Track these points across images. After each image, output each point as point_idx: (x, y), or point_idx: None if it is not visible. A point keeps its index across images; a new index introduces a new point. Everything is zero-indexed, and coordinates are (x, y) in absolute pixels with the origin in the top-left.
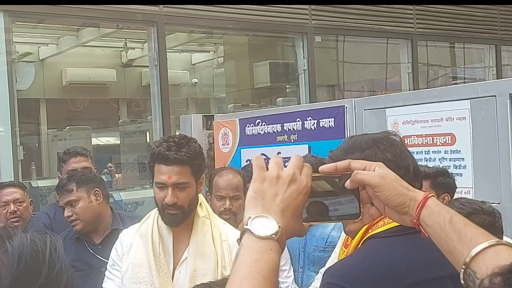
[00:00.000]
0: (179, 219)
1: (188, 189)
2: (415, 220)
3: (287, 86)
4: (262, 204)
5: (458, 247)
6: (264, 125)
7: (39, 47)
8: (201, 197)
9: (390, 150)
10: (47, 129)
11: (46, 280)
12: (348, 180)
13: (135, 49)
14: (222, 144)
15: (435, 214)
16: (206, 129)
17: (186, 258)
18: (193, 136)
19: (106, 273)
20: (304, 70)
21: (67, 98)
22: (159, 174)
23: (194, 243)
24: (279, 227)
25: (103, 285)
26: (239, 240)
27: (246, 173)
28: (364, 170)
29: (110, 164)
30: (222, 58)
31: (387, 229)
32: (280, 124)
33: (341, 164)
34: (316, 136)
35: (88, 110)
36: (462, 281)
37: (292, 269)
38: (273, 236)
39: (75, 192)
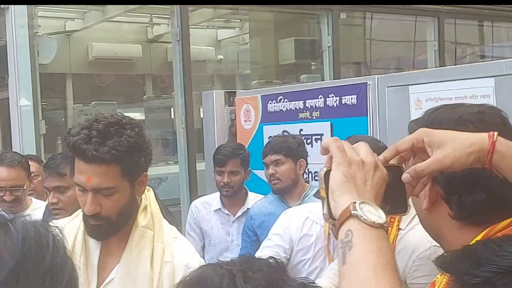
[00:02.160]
0: (105, 232)
1: (116, 195)
2: (487, 166)
3: (312, 63)
4: (356, 190)
5: None
6: (286, 101)
7: (65, 21)
8: (149, 197)
9: None
10: (73, 104)
11: (50, 265)
12: (406, 175)
13: (161, 24)
14: (244, 121)
15: (508, 158)
16: (228, 106)
17: (113, 279)
18: (214, 113)
19: None
20: (328, 47)
21: (93, 73)
22: (77, 172)
23: (125, 261)
24: (386, 215)
25: None
26: (331, 226)
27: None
28: (413, 154)
29: None
30: (248, 34)
31: None
32: (302, 101)
33: (390, 153)
34: (338, 113)
35: (114, 85)
36: None
37: None
38: (385, 225)
39: (67, 177)
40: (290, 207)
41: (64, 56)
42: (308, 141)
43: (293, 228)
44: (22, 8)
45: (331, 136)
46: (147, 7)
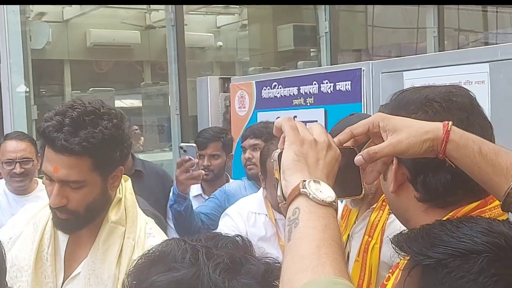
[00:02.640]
0: (72, 226)
1: (85, 189)
2: (440, 155)
3: (311, 50)
4: (307, 168)
5: (494, 179)
6: (280, 88)
7: (63, 8)
8: (124, 189)
9: (447, 116)
10: (71, 91)
11: None
12: (359, 158)
13: (159, 10)
14: (239, 107)
15: (462, 148)
16: (223, 92)
17: (79, 273)
18: (209, 99)
19: None
20: (325, 33)
21: (91, 59)
22: (45, 160)
23: (92, 257)
24: (340, 197)
25: None
26: (283, 204)
27: (267, 131)
28: (368, 135)
29: (135, 126)
30: (247, 21)
31: None
32: (297, 87)
33: (344, 136)
34: (333, 100)
35: (112, 72)
36: (503, 210)
37: None
38: (334, 203)
39: None
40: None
41: (62, 43)
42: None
43: (241, 227)
44: None
45: (325, 123)
46: None
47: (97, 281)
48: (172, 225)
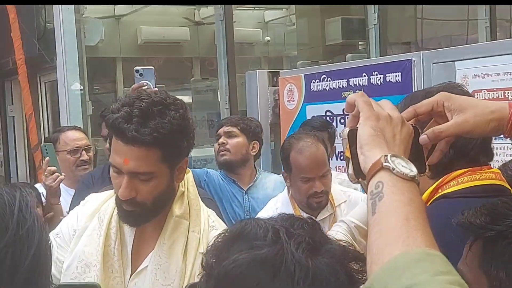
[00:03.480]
0: (138, 218)
1: (154, 181)
2: (506, 135)
3: (359, 43)
4: (386, 143)
5: None
6: (329, 80)
7: (114, 6)
8: (187, 183)
9: None
10: (123, 88)
11: (14, 237)
12: (423, 137)
13: (208, 6)
14: (288, 101)
15: None
16: (272, 86)
17: (147, 267)
18: (258, 93)
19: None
20: (374, 24)
21: (142, 56)
22: (114, 152)
23: (158, 252)
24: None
25: None
26: (353, 175)
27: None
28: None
29: None
30: (295, 15)
31: (461, 189)
32: (346, 80)
33: (408, 115)
34: (383, 91)
35: (162, 68)
36: None
37: None
38: (416, 178)
39: None
40: (243, 190)
41: (114, 40)
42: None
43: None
44: None
45: None
46: None
47: (164, 276)
48: None
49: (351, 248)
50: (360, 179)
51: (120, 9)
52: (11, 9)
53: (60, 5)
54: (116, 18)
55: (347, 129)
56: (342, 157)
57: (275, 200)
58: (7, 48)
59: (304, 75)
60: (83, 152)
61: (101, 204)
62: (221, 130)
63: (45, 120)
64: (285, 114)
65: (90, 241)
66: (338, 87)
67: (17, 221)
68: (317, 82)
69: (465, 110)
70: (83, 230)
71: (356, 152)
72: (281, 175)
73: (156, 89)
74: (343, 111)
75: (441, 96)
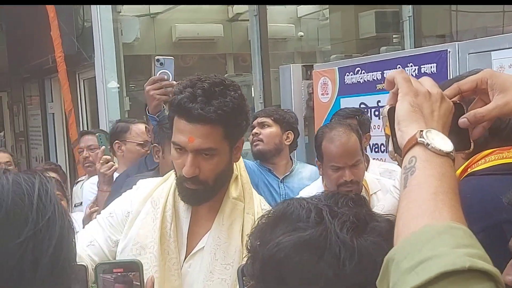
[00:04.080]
0: (200, 197)
1: (216, 158)
2: None
3: (393, 36)
4: (423, 119)
5: None
6: (363, 73)
7: (150, 4)
8: (239, 167)
9: None
10: None
11: (34, 229)
12: (463, 120)
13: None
14: (322, 94)
15: None
16: (306, 79)
17: (203, 248)
18: (292, 87)
19: (98, 218)
20: (409, 17)
21: (177, 54)
22: (178, 132)
23: (216, 232)
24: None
25: (84, 232)
26: (393, 152)
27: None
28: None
29: None
30: (328, 10)
31: (487, 167)
32: (380, 72)
33: (452, 91)
34: None
35: (197, 65)
36: None
37: None
38: (451, 153)
39: None
40: (278, 178)
41: (149, 38)
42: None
43: None
44: None
45: None
46: None
47: (223, 256)
48: None
49: None
50: (399, 156)
51: (155, 7)
52: (50, 8)
53: (98, 5)
54: (151, 16)
55: (387, 107)
56: (376, 149)
57: (309, 188)
58: (47, 47)
59: (338, 68)
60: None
61: (154, 190)
62: (255, 122)
63: (84, 116)
64: (319, 107)
65: (144, 225)
66: (372, 79)
67: (36, 212)
68: (351, 74)
69: (506, 90)
70: (136, 214)
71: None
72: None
73: (174, 82)
74: (377, 103)
75: (485, 73)
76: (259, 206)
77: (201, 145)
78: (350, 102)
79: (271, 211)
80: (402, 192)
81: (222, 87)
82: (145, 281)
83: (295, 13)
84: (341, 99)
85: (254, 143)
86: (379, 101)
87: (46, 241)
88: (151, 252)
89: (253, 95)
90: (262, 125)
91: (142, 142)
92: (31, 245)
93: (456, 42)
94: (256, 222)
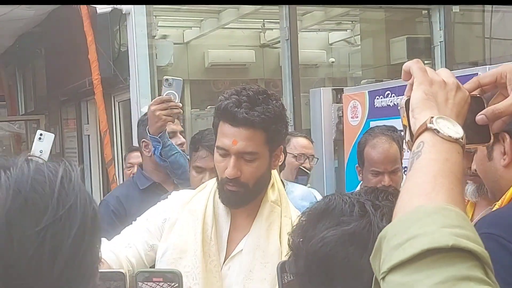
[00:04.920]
0: (240, 199)
1: (257, 162)
2: None
3: (425, 62)
4: (437, 107)
5: None
6: (393, 96)
7: (183, 30)
8: (275, 175)
9: None
10: (191, 109)
11: (53, 218)
12: (481, 117)
13: (273, 30)
14: (351, 117)
15: None
16: (336, 103)
17: (242, 251)
18: (322, 110)
19: (134, 224)
20: (440, 42)
21: (209, 79)
22: (222, 136)
23: (255, 234)
24: (463, 132)
25: (122, 237)
26: (410, 142)
27: None
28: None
29: None
30: (359, 36)
31: None
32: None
33: (471, 85)
34: None
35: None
36: None
37: None
38: (460, 140)
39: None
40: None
41: (182, 63)
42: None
43: None
44: (142, 18)
45: None
46: (260, 12)
47: (263, 255)
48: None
49: None
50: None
51: (189, 34)
52: (88, 32)
53: (134, 30)
54: (184, 42)
55: (404, 98)
56: (405, 172)
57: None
58: (84, 71)
59: (368, 91)
60: (307, 160)
61: (191, 198)
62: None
63: (118, 138)
64: (349, 131)
65: (183, 231)
66: None
67: (57, 200)
68: (381, 98)
69: None
70: (175, 220)
71: None
72: (308, 185)
73: (180, 104)
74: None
75: (505, 67)
76: (295, 212)
77: (244, 148)
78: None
79: (312, 208)
80: (407, 175)
81: (265, 96)
82: None
83: (327, 40)
84: (370, 122)
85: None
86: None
87: (66, 230)
88: (194, 255)
89: None
90: None
91: (299, 154)
92: (49, 234)
93: (487, 66)
94: (297, 220)
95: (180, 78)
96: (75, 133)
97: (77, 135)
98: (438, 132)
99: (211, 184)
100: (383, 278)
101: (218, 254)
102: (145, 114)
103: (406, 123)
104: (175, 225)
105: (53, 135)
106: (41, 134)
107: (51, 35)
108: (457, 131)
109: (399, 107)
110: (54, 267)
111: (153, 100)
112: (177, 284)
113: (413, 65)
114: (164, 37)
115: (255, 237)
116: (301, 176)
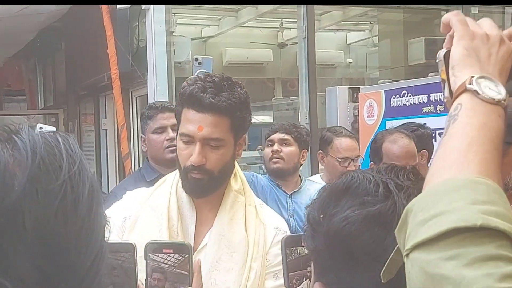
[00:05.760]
0: (205, 187)
1: (222, 149)
2: None
3: None
4: (478, 64)
5: None
6: (410, 96)
7: (202, 28)
8: (236, 166)
9: None
10: None
11: (68, 175)
12: None
13: (291, 29)
14: (367, 116)
15: None
16: (352, 102)
17: (206, 244)
18: (338, 109)
19: None
20: None
21: None
22: (186, 122)
23: (219, 225)
24: (506, 92)
25: None
26: (449, 99)
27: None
28: None
29: (261, 146)
30: (377, 37)
31: None
32: (427, 95)
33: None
34: None
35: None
36: None
37: None
38: (502, 102)
39: None
40: (287, 194)
41: None
42: (432, 135)
43: None
44: (161, 15)
45: None
46: (278, 11)
47: (229, 245)
48: None
49: None
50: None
51: (207, 31)
52: (108, 27)
53: (152, 26)
54: (202, 40)
55: (443, 50)
56: None
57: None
58: (102, 65)
59: (384, 90)
60: (351, 162)
61: (150, 194)
62: (274, 137)
63: (135, 132)
64: (365, 130)
65: (146, 228)
66: (418, 102)
67: (67, 159)
68: (397, 97)
69: None
70: (136, 218)
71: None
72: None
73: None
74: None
75: None
76: (257, 202)
77: (210, 134)
78: (395, 125)
79: (333, 184)
80: (441, 140)
81: (230, 82)
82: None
83: (344, 40)
84: (386, 121)
85: (274, 160)
86: (425, 124)
87: (81, 184)
88: None
89: (299, 120)
90: (283, 142)
91: (343, 159)
92: (69, 187)
93: None
94: (317, 194)
95: (210, 56)
96: (93, 127)
97: (95, 129)
98: (478, 93)
99: (171, 178)
100: (407, 255)
101: None
102: (147, 107)
103: (445, 77)
104: (137, 222)
105: (54, 128)
106: (41, 128)
107: (71, 30)
108: (499, 92)
109: (437, 60)
110: (77, 216)
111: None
112: (187, 255)
113: (453, 17)
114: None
115: (220, 228)
116: None
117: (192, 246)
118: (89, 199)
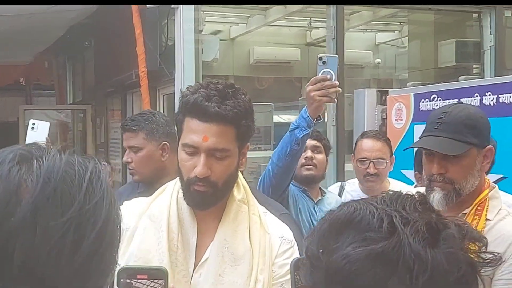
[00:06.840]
0: (209, 200)
1: (228, 160)
2: None
3: (474, 66)
4: None
5: None
6: (440, 100)
7: (230, 26)
8: (239, 174)
9: None
10: None
11: (79, 211)
12: None
13: (320, 28)
14: (396, 120)
15: None
16: (380, 104)
17: (208, 258)
18: (366, 111)
19: None
20: (490, 46)
21: (253, 76)
22: (189, 132)
23: (221, 237)
24: None
25: None
26: None
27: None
28: None
29: None
30: (407, 38)
31: None
32: (457, 100)
33: None
34: (496, 112)
35: (272, 88)
36: None
37: None
38: None
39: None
40: (313, 201)
41: (228, 59)
42: None
43: None
44: (190, 13)
45: None
46: (307, 10)
47: (232, 257)
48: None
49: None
50: None
51: (235, 29)
52: (137, 25)
53: (181, 24)
54: (230, 38)
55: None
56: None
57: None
58: (131, 63)
59: (413, 94)
60: (371, 164)
61: (149, 204)
62: (308, 143)
63: None
64: (393, 133)
65: (144, 240)
66: None
67: (84, 194)
68: (427, 101)
69: None
70: (134, 229)
71: None
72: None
73: (337, 82)
74: None
75: None
76: (261, 210)
77: (215, 144)
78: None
79: (334, 215)
80: None
81: (234, 89)
82: None
83: (373, 40)
84: (415, 125)
85: (307, 167)
86: None
87: (90, 225)
88: (160, 265)
89: (326, 120)
90: (316, 149)
91: (360, 159)
92: (73, 226)
93: None
94: (316, 227)
95: (335, 55)
96: (120, 124)
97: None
98: None
99: (171, 187)
100: None
101: (186, 262)
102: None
103: None
104: (135, 234)
105: (49, 123)
106: (33, 124)
107: (100, 27)
108: None
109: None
110: (74, 260)
111: (309, 81)
112: (162, 281)
113: None
114: (214, 32)
115: (221, 240)
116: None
117: (168, 271)
118: (95, 243)
